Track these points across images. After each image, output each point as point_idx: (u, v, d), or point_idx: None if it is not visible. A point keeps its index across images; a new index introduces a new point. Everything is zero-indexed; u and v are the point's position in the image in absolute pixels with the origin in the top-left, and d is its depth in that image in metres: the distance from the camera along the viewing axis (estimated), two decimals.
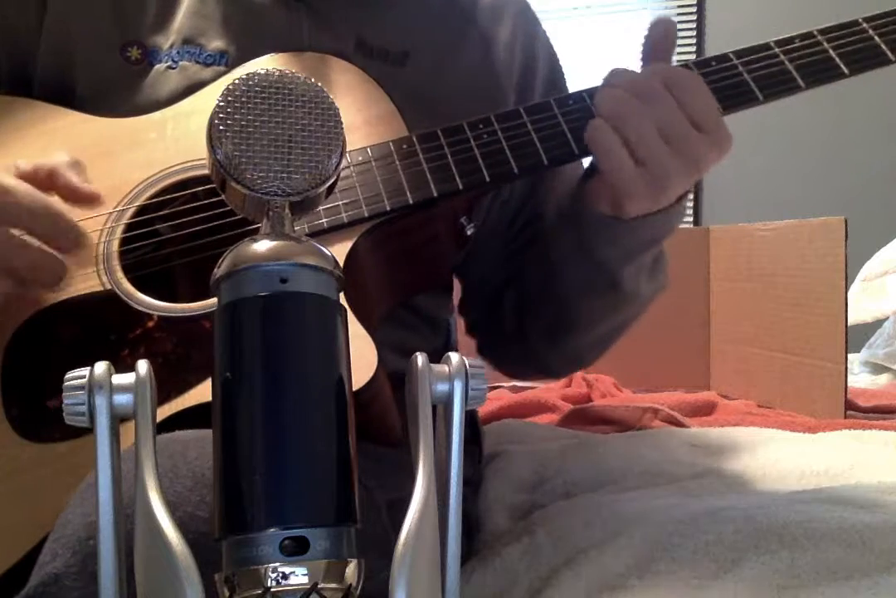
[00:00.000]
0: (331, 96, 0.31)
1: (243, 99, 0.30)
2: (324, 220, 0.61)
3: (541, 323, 0.77)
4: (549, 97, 0.67)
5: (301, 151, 0.30)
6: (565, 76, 0.85)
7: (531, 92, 0.79)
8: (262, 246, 0.29)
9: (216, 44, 0.71)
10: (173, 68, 0.70)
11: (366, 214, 0.62)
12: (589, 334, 0.77)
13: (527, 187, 0.81)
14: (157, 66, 0.70)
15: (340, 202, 0.62)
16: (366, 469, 0.59)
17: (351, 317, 0.56)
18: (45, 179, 0.61)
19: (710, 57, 0.66)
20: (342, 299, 0.57)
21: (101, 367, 0.29)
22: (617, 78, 0.63)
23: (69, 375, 0.29)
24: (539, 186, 0.81)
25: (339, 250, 0.60)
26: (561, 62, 0.85)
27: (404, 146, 0.64)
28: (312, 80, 0.31)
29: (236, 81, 0.30)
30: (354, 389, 0.51)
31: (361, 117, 0.66)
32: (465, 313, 0.87)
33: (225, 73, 0.69)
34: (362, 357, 0.54)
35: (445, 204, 0.65)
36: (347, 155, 0.63)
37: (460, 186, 0.63)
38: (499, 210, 0.80)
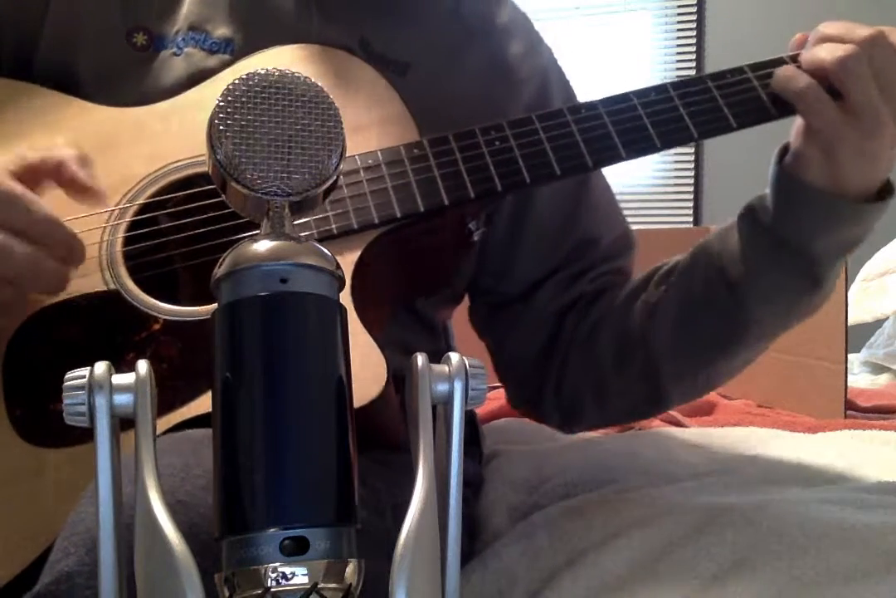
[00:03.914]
0: (331, 96, 0.31)
1: (243, 99, 0.30)
2: (333, 225, 0.60)
3: (683, 351, 0.71)
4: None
5: (301, 151, 0.30)
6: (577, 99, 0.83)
7: None
8: (262, 246, 0.29)
9: (222, 31, 0.70)
10: (178, 55, 0.69)
11: (376, 221, 0.61)
12: (748, 350, 0.71)
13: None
14: (163, 53, 0.69)
15: (350, 208, 0.61)
16: (374, 472, 0.59)
17: (360, 326, 0.55)
18: (52, 172, 0.58)
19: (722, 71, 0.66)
20: (351, 306, 0.56)
21: (100, 367, 0.29)
22: (829, 29, 0.62)
23: (69, 375, 0.29)
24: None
25: (349, 257, 0.60)
26: (572, 85, 0.83)
27: (415, 151, 0.63)
28: (312, 79, 0.31)
29: (236, 81, 0.30)
30: (366, 401, 0.51)
31: (373, 117, 0.64)
32: (507, 376, 0.84)
33: (230, 62, 0.68)
34: (372, 368, 0.53)
35: (455, 210, 0.64)
36: (357, 158, 0.62)
37: (472, 195, 0.62)
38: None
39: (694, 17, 3.21)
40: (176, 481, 0.44)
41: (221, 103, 0.30)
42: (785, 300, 0.67)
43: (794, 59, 0.64)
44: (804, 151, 0.63)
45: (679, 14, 3.24)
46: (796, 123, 0.64)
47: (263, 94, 0.30)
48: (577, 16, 3.29)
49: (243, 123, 0.29)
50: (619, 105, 0.64)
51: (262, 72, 0.30)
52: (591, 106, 0.64)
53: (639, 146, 0.63)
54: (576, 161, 0.63)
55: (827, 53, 0.60)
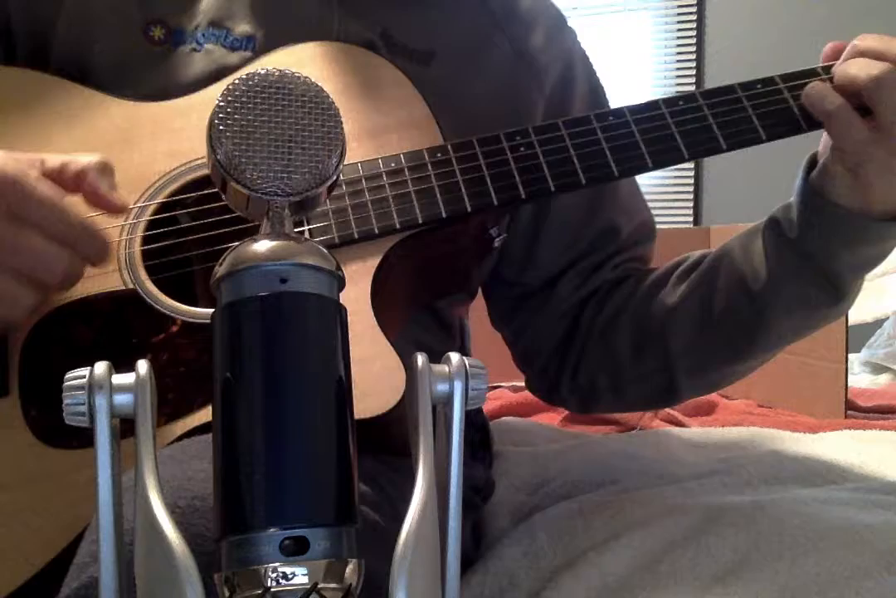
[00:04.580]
0: (341, 93, 0.31)
1: (243, 99, 0.30)
2: (354, 230, 0.60)
3: (700, 351, 0.72)
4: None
5: (301, 151, 0.30)
6: (607, 96, 0.82)
7: (568, 111, 0.77)
8: (262, 246, 0.29)
9: (243, 28, 0.69)
10: (198, 51, 0.68)
11: (397, 226, 0.60)
12: (764, 354, 0.72)
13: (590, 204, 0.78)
14: (181, 48, 0.68)
15: (372, 212, 0.60)
16: (382, 473, 0.59)
17: (381, 334, 0.55)
18: (72, 179, 0.56)
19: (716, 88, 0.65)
20: (371, 312, 0.56)
21: (101, 367, 0.29)
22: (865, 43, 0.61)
23: (69, 374, 0.29)
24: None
25: (370, 262, 0.59)
26: (601, 83, 0.83)
27: (439, 155, 0.62)
28: (312, 79, 0.31)
29: (236, 81, 0.30)
30: (383, 410, 0.51)
31: (396, 119, 0.63)
32: (526, 366, 0.84)
33: (251, 58, 0.67)
34: (391, 377, 0.53)
35: (477, 217, 0.64)
36: (380, 161, 0.61)
37: (495, 202, 0.61)
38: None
39: (694, 17, 3.21)
40: (208, 486, 0.44)
41: (221, 103, 0.30)
42: (805, 312, 0.67)
43: (827, 70, 0.63)
44: (831, 167, 0.62)
45: (679, 14, 3.24)
46: (824, 136, 0.64)
47: (263, 94, 0.30)
48: (576, 16, 3.29)
49: (243, 123, 0.29)
50: (647, 113, 0.63)
51: (262, 72, 0.30)
52: (618, 113, 0.63)
53: (666, 156, 0.63)
54: (601, 170, 0.62)
55: (860, 70, 0.59)
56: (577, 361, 0.78)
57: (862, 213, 0.61)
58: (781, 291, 0.66)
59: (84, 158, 0.57)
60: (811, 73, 0.64)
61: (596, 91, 0.82)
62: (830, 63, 0.63)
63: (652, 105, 0.64)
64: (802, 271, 0.65)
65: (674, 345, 0.72)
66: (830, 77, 0.62)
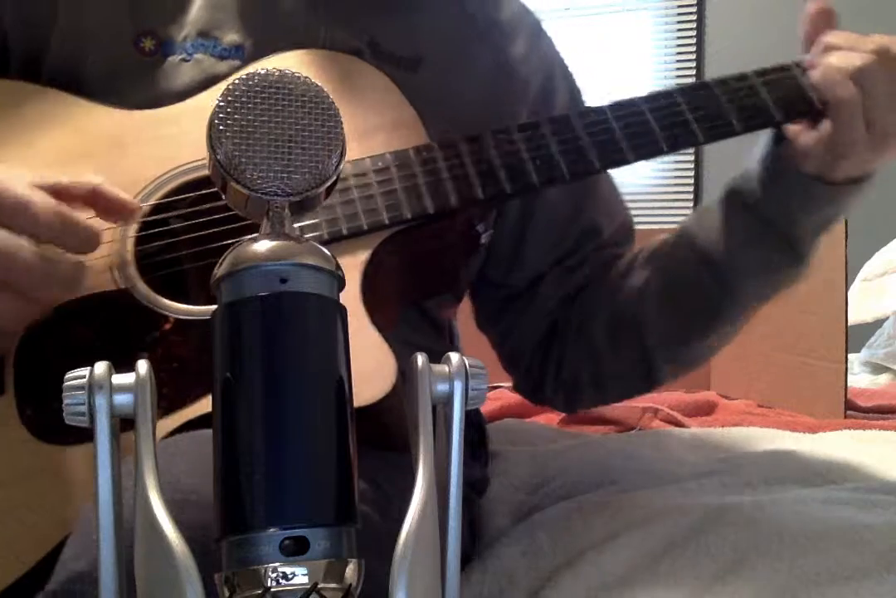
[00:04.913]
0: (331, 98, 0.31)
1: (243, 99, 0.30)
2: (343, 226, 0.61)
3: (671, 329, 0.75)
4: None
5: (301, 151, 0.30)
6: (584, 98, 0.84)
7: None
8: (262, 246, 0.29)
9: (232, 37, 0.70)
10: (187, 61, 0.69)
11: (386, 222, 0.61)
12: (732, 324, 0.75)
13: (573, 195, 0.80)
14: (171, 58, 0.69)
15: (360, 209, 0.61)
16: (384, 472, 0.59)
17: (370, 325, 0.56)
18: (83, 196, 0.58)
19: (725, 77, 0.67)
20: (361, 305, 0.57)
21: (101, 367, 0.29)
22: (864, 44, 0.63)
23: (69, 374, 0.29)
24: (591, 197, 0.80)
25: (360, 257, 0.60)
26: (580, 87, 0.84)
27: (424, 153, 0.64)
28: (312, 79, 0.31)
29: (236, 81, 0.30)
30: (375, 399, 0.51)
31: (381, 121, 0.65)
32: (512, 366, 0.85)
33: (240, 67, 0.69)
34: (382, 366, 0.54)
35: (463, 212, 0.65)
36: (367, 160, 0.63)
37: (481, 196, 0.63)
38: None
39: (694, 17, 3.21)
40: (199, 482, 0.44)
41: (221, 103, 0.30)
42: (767, 276, 0.71)
43: (799, 64, 0.66)
44: (813, 151, 0.64)
45: (679, 14, 3.24)
46: (804, 123, 0.66)
47: (263, 94, 0.30)
48: (576, 16, 3.29)
49: (243, 123, 0.29)
50: (627, 109, 0.66)
51: (262, 72, 0.30)
52: (599, 111, 0.66)
53: (646, 150, 0.65)
54: (584, 164, 0.64)
55: (844, 61, 0.61)
56: (560, 357, 0.80)
57: (826, 183, 0.65)
58: (743, 257, 0.69)
59: (92, 177, 0.59)
60: (784, 68, 0.67)
61: (576, 98, 0.83)
62: (801, 58, 0.66)
63: (631, 102, 0.66)
64: (765, 237, 0.68)
65: (646, 330, 0.74)
66: (804, 70, 0.65)
